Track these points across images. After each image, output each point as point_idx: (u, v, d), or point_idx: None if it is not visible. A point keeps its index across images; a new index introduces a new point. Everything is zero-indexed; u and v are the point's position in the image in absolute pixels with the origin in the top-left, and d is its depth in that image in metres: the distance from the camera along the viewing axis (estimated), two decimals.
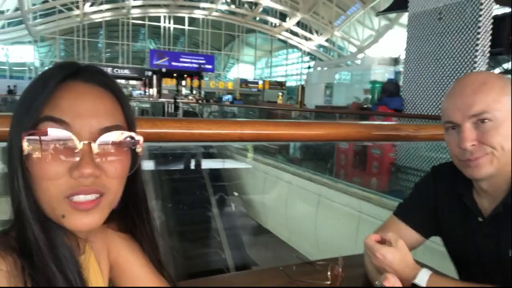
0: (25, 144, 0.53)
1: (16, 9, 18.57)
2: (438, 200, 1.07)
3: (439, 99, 5.26)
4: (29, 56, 25.55)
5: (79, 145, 0.54)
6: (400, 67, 12.09)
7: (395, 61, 14.29)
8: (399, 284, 0.81)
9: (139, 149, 0.61)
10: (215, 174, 4.77)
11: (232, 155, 5.54)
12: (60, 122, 0.54)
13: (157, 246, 0.74)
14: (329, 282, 1.01)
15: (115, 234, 0.72)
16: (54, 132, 0.53)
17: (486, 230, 0.96)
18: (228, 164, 5.32)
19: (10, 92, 17.51)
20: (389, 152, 5.19)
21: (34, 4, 19.95)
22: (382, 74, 12.31)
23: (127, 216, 0.70)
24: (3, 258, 0.51)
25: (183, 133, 0.99)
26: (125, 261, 0.72)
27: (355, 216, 3.86)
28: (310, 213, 4.51)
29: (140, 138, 0.61)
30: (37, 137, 0.53)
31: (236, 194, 4.93)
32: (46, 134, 0.53)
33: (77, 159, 0.54)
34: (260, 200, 5.32)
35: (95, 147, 0.55)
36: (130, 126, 0.62)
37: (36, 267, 0.52)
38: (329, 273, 1.00)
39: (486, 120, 0.88)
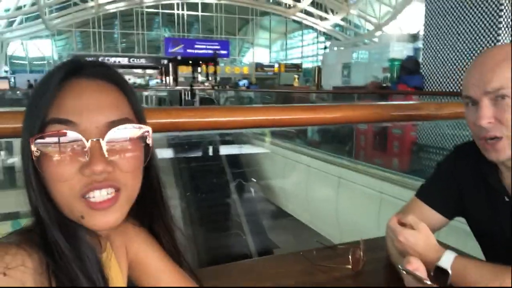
0: (33, 149, 0.53)
1: (33, 4, 18.81)
2: (462, 180, 1.04)
3: (461, 75, 5.10)
4: (47, 50, 25.98)
5: (88, 144, 0.53)
6: (420, 44, 11.76)
7: (414, 38, 13.90)
8: (423, 267, 0.80)
9: (149, 141, 0.60)
10: (234, 160, 4.78)
11: (249, 140, 5.54)
12: (66, 123, 0.54)
13: (174, 236, 0.74)
14: (350, 266, 1.00)
15: (133, 229, 0.72)
16: (62, 134, 0.53)
17: None
18: (246, 149, 5.33)
19: (30, 86, 17.91)
20: (410, 131, 5.09)
21: None
22: (401, 51, 12.01)
23: (144, 209, 0.70)
24: (29, 256, 0.51)
25: (198, 122, 0.98)
26: (145, 256, 0.72)
27: (377, 197, 3.82)
28: (330, 196, 4.49)
29: (149, 129, 0.60)
30: (45, 141, 0.53)
31: (255, 179, 4.94)
32: (53, 137, 0.53)
33: (87, 157, 0.53)
34: (280, 184, 5.32)
35: (104, 143, 0.54)
36: (138, 117, 0.61)
37: (60, 268, 0.53)
38: (350, 257, 0.99)
39: (505, 97, 0.83)
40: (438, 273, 0.83)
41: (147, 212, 0.71)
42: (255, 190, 4.70)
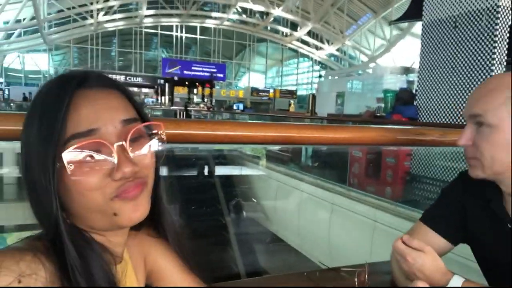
0: (67, 166, 0.53)
1: (32, 18, 18.96)
2: (467, 205, 1.04)
3: (455, 107, 5.20)
4: (43, 63, 26.03)
5: (113, 148, 0.55)
6: (413, 76, 12.01)
7: (408, 70, 14.22)
8: None
9: (163, 136, 0.62)
10: (227, 180, 4.75)
11: (244, 162, 5.53)
12: (87, 133, 0.54)
13: (186, 247, 0.75)
14: None
15: (150, 239, 0.72)
16: (87, 144, 0.54)
17: None
18: (240, 171, 5.31)
19: (25, 99, 17.91)
20: (403, 160, 5.13)
21: (49, 13, 20.36)
22: (395, 83, 12.25)
23: (155, 220, 0.70)
24: (43, 264, 0.51)
25: (207, 135, 0.98)
26: (164, 267, 0.73)
27: (370, 225, 3.80)
28: (323, 222, 4.46)
29: (161, 124, 0.62)
30: (72, 155, 0.53)
31: (247, 201, 4.90)
32: (80, 150, 0.53)
33: (115, 161, 0.55)
34: (272, 208, 5.28)
35: (127, 144, 0.56)
36: (144, 119, 0.63)
37: (69, 279, 0.53)
38: (356, 279, 0.98)
39: (483, 125, 0.88)
40: None
41: (159, 223, 0.71)
42: (246, 212, 4.66)
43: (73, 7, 21.16)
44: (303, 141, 1.06)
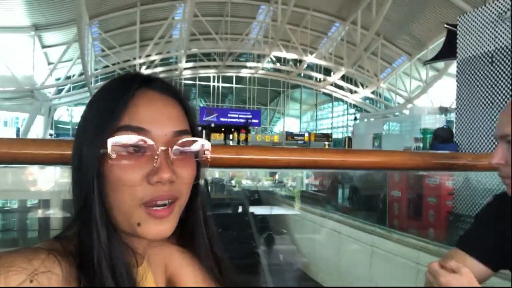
0: (110, 151, 0.54)
1: (80, 74, 20.43)
2: (504, 228, 0.98)
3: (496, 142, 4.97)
4: None
5: (158, 151, 0.55)
6: (452, 116, 11.71)
7: (446, 110, 13.90)
8: None
9: (208, 155, 0.62)
10: (262, 221, 4.69)
11: (278, 203, 5.47)
12: (138, 130, 0.55)
13: (218, 261, 0.71)
14: None
15: (173, 248, 0.71)
16: (134, 139, 0.55)
17: None
18: (275, 211, 5.25)
19: None
20: (446, 199, 4.89)
21: (96, 69, 21.90)
22: (433, 123, 11.98)
23: (186, 229, 0.69)
24: (58, 263, 0.51)
25: (232, 158, 1.00)
26: (184, 276, 0.69)
27: (413, 268, 3.59)
28: (363, 265, 4.26)
29: (209, 144, 0.62)
30: (117, 144, 0.54)
31: (284, 243, 4.79)
32: (126, 141, 0.54)
33: (156, 164, 0.55)
34: (310, 250, 5.12)
35: (171, 152, 0.56)
36: (195, 133, 0.63)
37: (92, 278, 0.52)
38: None
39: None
40: None
41: (188, 233, 0.70)
42: (281, 253, 4.54)
43: (118, 63, 22.65)
44: (328, 165, 1.05)
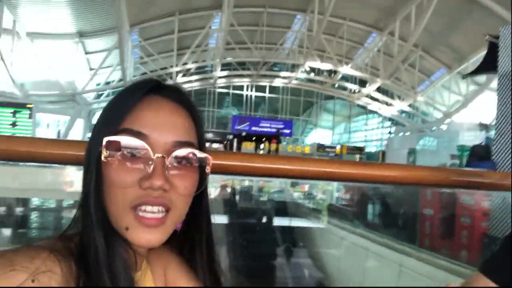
0: (103, 150, 0.55)
1: (120, 80, 21.16)
2: None
3: None
4: None
5: (153, 157, 0.55)
6: (491, 133, 11.19)
7: (486, 127, 13.32)
8: None
9: (207, 169, 0.61)
10: (287, 233, 4.63)
11: (305, 216, 5.39)
12: (137, 135, 0.56)
13: (216, 276, 0.71)
14: None
15: (174, 256, 0.71)
16: (131, 142, 0.55)
17: None
18: (300, 223, 5.18)
19: None
20: (480, 220, 4.66)
21: (134, 76, 22.59)
22: (471, 140, 11.49)
23: (187, 240, 0.69)
24: (58, 262, 0.51)
25: (245, 166, 0.99)
26: (181, 285, 0.70)
27: None
28: (390, 284, 4.10)
29: (209, 157, 0.61)
30: (114, 144, 0.55)
31: (308, 259, 4.70)
32: (122, 142, 0.55)
33: (149, 170, 0.55)
34: (335, 267, 5.00)
35: (168, 161, 0.56)
36: (200, 145, 0.63)
37: (90, 276, 0.52)
38: None
39: None
40: None
41: (189, 243, 0.70)
42: (298, 267, 4.46)
43: (155, 70, 23.30)
44: (344, 178, 1.02)
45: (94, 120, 26.49)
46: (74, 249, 0.55)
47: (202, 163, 0.60)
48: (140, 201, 0.55)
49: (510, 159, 5.07)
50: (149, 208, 0.55)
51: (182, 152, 0.57)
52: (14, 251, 0.51)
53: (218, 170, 0.96)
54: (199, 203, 0.66)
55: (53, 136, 18.46)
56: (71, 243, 0.56)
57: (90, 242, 0.54)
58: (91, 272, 0.52)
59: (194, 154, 0.59)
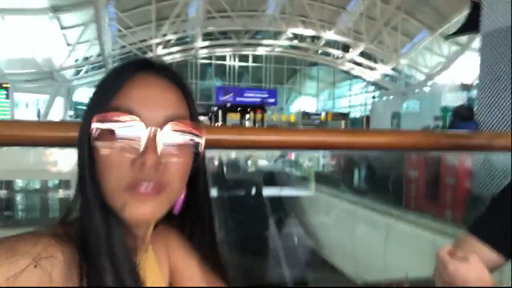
0: (93, 130, 0.54)
1: (98, 55, 20.59)
2: None
3: None
4: None
5: (145, 131, 0.54)
6: (473, 93, 11.36)
7: (468, 87, 13.48)
8: None
9: (200, 148, 0.60)
10: (275, 203, 4.69)
11: (292, 184, 5.46)
12: (128, 112, 0.54)
13: (218, 255, 0.71)
14: None
15: (176, 238, 0.71)
16: (122, 118, 0.54)
17: None
18: (288, 192, 5.25)
19: None
20: (464, 181, 4.79)
21: (113, 50, 21.99)
22: (454, 101, 11.65)
23: (187, 221, 0.69)
24: (60, 248, 0.51)
25: (239, 140, 0.97)
26: (184, 267, 0.70)
27: (430, 252, 3.55)
28: (378, 247, 4.23)
29: (203, 131, 0.60)
30: (105, 123, 0.54)
31: (292, 226, 4.79)
32: (113, 120, 0.54)
33: (142, 146, 0.53)
34: (323, 233, 5.13)
35: (160, 134, 0.54)
36: (193, 121, 0.61)
37: (91, 261, 0.52)
38: None
39: None
40: None
41: (189, 224, 0.70)
42: (290, 236, 4.56)
43: (135, 43, 22.70)
44: (336, 146, 1.02)
45: (75, 98, 26.00)
46: (74, 235, 0.54)
47: (195, 137, 0.59)
48: (134, 179, 0.53)
49: (491, 119, 5.17)
50: (144, 184, 0.54)
51: (174, 126, 0.56)
52: (15, 237, 0.50)
53: (211, 144, 0.95)
54: (196, 184, 0.65)
55: (33, 116, 18.06)
56: (71, 228, 0.55)
57: (90, 227, 0.53)
58: (92, 256, 0.52)
59: (187, 128, 0.58)
